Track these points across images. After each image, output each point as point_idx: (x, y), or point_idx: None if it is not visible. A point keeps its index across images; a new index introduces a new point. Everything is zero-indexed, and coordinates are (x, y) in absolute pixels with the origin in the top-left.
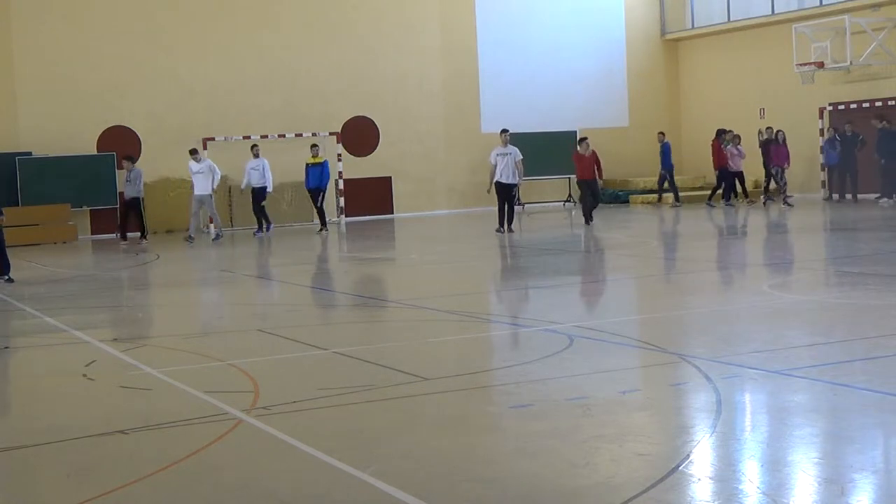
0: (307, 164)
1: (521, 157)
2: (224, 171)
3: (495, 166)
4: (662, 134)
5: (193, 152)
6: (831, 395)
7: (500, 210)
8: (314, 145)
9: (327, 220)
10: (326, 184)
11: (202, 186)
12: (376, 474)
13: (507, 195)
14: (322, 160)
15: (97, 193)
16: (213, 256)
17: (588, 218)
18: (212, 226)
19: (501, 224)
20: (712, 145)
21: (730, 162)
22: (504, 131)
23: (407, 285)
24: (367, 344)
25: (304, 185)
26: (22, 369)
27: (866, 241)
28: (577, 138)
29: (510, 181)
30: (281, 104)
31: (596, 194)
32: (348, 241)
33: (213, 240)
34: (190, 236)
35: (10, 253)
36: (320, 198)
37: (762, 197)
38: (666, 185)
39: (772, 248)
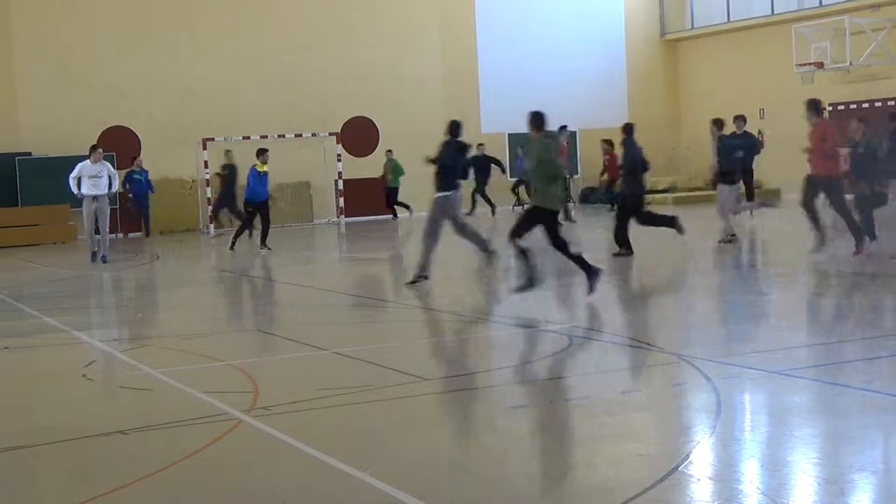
0: (131, 173)
1: None
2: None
3: None
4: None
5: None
6: (831, 396)
7: None
8: (135, 157)
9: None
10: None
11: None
12: (376, 474)
13: None
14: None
15: None
16: (212, 256)
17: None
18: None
19: None
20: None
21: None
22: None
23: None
24: (367, 344)
25: (131, 201)
26: (22, 369)
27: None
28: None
29: None
30: (281, 104)
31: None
32: (348, 241)
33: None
34: (98, 254)
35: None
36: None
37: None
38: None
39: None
